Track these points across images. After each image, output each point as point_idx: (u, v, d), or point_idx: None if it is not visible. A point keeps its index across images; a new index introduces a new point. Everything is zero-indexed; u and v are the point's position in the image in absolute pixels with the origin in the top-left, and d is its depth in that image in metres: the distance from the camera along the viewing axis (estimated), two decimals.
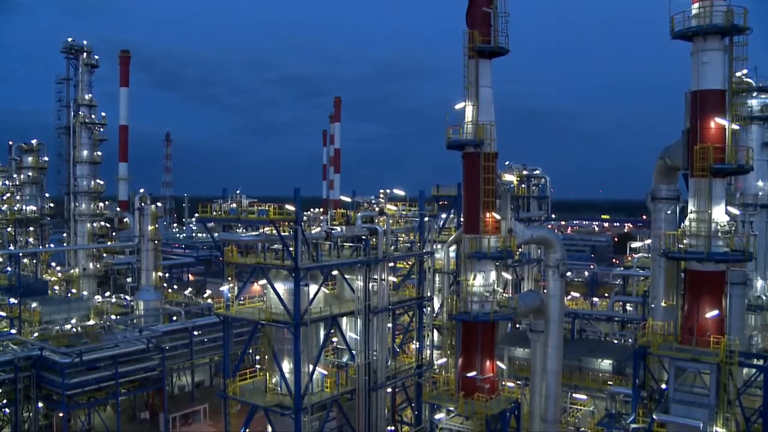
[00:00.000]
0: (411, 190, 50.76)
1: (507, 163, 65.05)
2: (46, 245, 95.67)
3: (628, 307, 67.14)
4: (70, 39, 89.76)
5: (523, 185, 64.71)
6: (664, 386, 35.82)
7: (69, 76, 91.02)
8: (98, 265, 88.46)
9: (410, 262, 51.17)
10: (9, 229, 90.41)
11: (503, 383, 44.69)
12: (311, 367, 40.13)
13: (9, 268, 78.67)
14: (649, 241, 57.55)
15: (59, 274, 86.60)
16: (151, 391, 59.21)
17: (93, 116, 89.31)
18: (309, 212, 48.31)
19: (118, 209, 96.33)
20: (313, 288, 40.35)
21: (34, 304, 68.49)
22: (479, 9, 39.31)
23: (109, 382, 51.53)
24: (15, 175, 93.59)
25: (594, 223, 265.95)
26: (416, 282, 49.48)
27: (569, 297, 71.10)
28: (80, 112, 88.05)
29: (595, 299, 78.00)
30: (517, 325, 60.21)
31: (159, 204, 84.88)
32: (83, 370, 50.03)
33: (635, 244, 74.44)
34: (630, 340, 57.19)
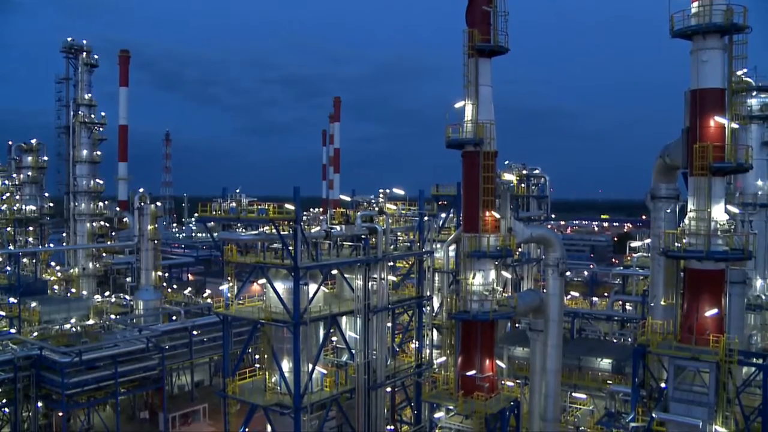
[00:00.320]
0: (411, 190, 50.91)
1: (507, 162, 65.08)
2: (46, 245, 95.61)
3: (628, 307, 67.13)
4: (69, 39, 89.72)
5: (522, 185, 64.70)
6: (663, 385, 35.80)
7: (69, 76, 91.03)
8: (98, 265, 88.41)
9: (410, 262, 51.23)
10: (8, 229, 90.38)
11: (503, 382, 44.69)
12: (311, 366, 40.13)
13: (8, 268, 78.71)
14: (648, 241, 57.50)
15: (59, 274, 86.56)
16: (151, 391, 59.26)
17: (93, 116, 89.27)
18: (309, 212, 48.29)
19: (117, 209, 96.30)
20: (312, 287, 40.37)
21: (33, 304, 68.46)
22: (479, 8, 39.30)
23: (108, 382, 51.58)
24: (15, 175, 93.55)
25: (594, 223, 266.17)
26: (416, 281, 49.52)
27: (569, 296, 71.09)
28: (80, 112, 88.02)
29: (595, 299, 78.02)
30: (517, 325, 60.20)
31: (158, 204, 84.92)
32: (83, 369, 50.08)
33: (635, 244, 74.41)
34: (629, 340, 57.16)
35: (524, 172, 66.04)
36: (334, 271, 44.40)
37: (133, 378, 54.30)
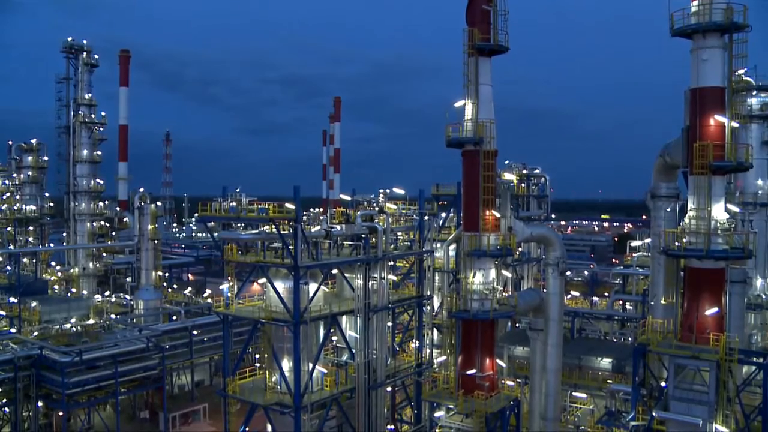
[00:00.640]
0: (411, 190, 50.95)
1: (507, 162, 65.14)
2: (46, 244, 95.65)
3: (628, 306, 67.14)
4: (69, 38, 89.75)
5: (522, 184, 64.75)
6: (663, 384, 35.76)
7: (69, 76, 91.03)
8: (98, 265, 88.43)
9: (410, 261, 51.22)
10: (9, 229, 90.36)
11: (503, 381, 44.68)
12: (311, 365, 40.11)
13: (9, 268, 78.69)
14: (648, 240, 57.53)
15: (59, 274, 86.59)
16: (151, 391, 59.27)
17: (93, 116, 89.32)
18: (309, 212, 48.27)
19: (117, 209, 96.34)
20: (312, 286, 40.34)
21: (33, 304, 68.53)
22: (479, 7, 39.31)
23: (108, 382, 51.60)
24: (15, 175, 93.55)
25: (594, 223, 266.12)
26: (416, 281, 49.52)
27: (569, 296, 71.11)
28: (80, 112, 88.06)
29: (595, 298, 78.08)
30: (517, 324, 60.20)
31: (159, 203, 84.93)
32: (83, 369, 50.11)
33: (635, 243, 74.45)
34: (630, 339, 57.13)
35: (524, 171, 66.09)
36: (335, 271, 44.39)
37: (134, 378, 54.32)
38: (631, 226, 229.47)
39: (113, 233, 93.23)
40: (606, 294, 79.74)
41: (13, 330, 61.99)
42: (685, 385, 33.57)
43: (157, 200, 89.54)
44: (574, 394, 51.10)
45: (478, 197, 39.74)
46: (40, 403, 51.09)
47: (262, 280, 41.59)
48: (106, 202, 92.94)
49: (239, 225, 42.42)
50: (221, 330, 46.74)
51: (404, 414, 53.94)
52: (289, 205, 38.74)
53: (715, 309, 33.55)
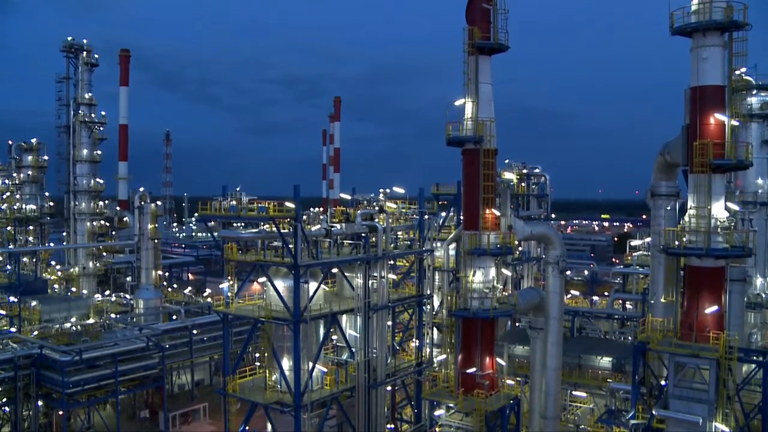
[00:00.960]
0: (411, 190, 50.98)
1: (507, 161, 65.21)
2: (46, 244, 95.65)
3: (628, 305, 67.19)
4: (69, 38, 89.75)
5: (522, 183, 64.80)
6: (663, 382, 35.80)
7: (69, 75, 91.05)
8: (98, 264, 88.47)
9: (410, 260, 51.22)
10: (9, 228, 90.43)
11: (503, 380, 44.68)
12: (311, 364, 40.10)
13: (9, 267, 78.67)
14: (648, 239, 57.55)
15: (59, 273, 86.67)
16: (151, 390, 59.30)
17: (93, 115, 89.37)
18: (308, 211, 48.26)
19: (117, 208, 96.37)
20: (312, 285, 40.34)
21: (33, 303, 68.60)
22: (479, 5, 39.33)
23: (108, 381, 51.56)
24: (15, 174, 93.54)
25: (594, 222, 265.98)
26: (416, 280, 49.50)
27: (569, 296, 71.14)
28: (80, 111, 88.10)
29: (595, 298, 78.11)
30: (517, 323, 60.22)
31: (159, 203, 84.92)
32: (83, 368, 50.10)
33: (635, 242, 74.60)
34: (629, 338, 57.17)
35: (524, 171, 66.13)
36: (335, 270, 44.36)
37: (134, 377, 54.30)
38: (631, 225, 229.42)
39: (113, 233, 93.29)
40: (606, 294, 79.74)
41: (13, 329, 62.03)
42: (685, 384, 33.58)
43: (157, 200, 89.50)
44: (574, 392, 51.12)
45: (478, 196, 39.75)
46: (40, 402, 51.08)
47: (262, 279, 41.58)
48: (106, 202, 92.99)
49: (239, 224, 42.46)
50: (221, 329, 46.74)
51: (404, 413, 53.95)
52: (289, 204, 38.74)
53: (715, 307, 33.56)
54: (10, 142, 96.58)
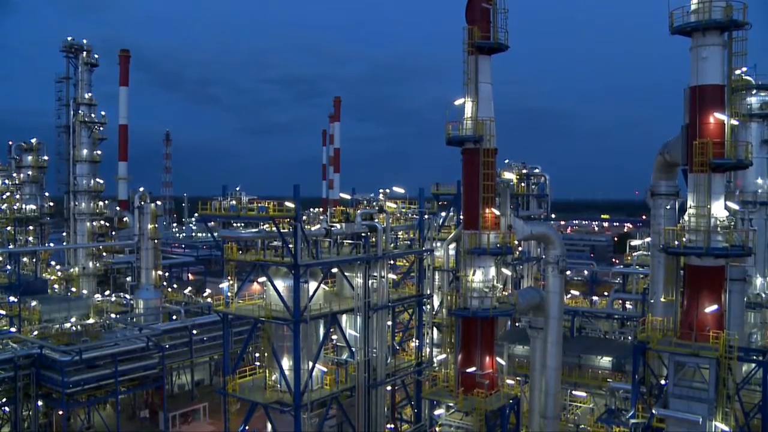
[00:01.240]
0: (411, 190, 50.98)
1: (506, 161, 65.21)
2: (46, 244, 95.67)
3: (628, 305, 67.19)
4: (69, 38, 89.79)
5: (522, 183, 64.82)
6: (663, 382, 35.79)
7: (69, 75, 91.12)
8: (98, 264, 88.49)
9: (410, 260, 51.22)
10: (9, 228, 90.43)
11: (503, 380, 44.67)
12: (311, 364, 40.10)
13: (9, 267, 78.66)
14: (648, 239, 57.57)
15: (59, 273, 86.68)
16: (151, 390, 59.29)
17: (93, 115, 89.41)
18: (308, 211, 48.28)
19: (117, 208, 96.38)
20: (312, 285, 40.35)
21: (33, 303, 68.61)
22: (479, 5, 39.34)
23: (108, 381, 51.58)
24: (15, 174, 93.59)
25: (594, 222, 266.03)
26: (416, 279, 49.50)
27: (569, 296, 71.13)
28: (80, 111, 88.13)
29: (595, 298, 78.10)
30: (517, 323, 60.23)
31: (158, 203, 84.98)
32: (83, 368, 50.11)
33: (635, 242, 74.65)
34: (629, 338, 57.18)
35: (524, 171, 66.14)
36: (335, 269, 44.37)
37: (134, 377, 54.32)
38: (631, 225, 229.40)
39: (113, 233, 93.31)
40: (606, 294, 79.73)
41: (13, 329, 62.02)
42: (685, 383, 33.57)
43: (157, 200, 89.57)
44: (573, 392, 51.12)
45: (478, 195, 39.75)
46: (40, 402, 51.07)
47: (262, 279, 41.58)
48: (106, 202, 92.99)
49: (239, 224, 42.46)
50: (221, 329, 46.69)
51: (404, 413, 53.94)
52: (289, 204, 38.74)
53: (715, 306, 33.56)
54: (10, 142, 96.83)
